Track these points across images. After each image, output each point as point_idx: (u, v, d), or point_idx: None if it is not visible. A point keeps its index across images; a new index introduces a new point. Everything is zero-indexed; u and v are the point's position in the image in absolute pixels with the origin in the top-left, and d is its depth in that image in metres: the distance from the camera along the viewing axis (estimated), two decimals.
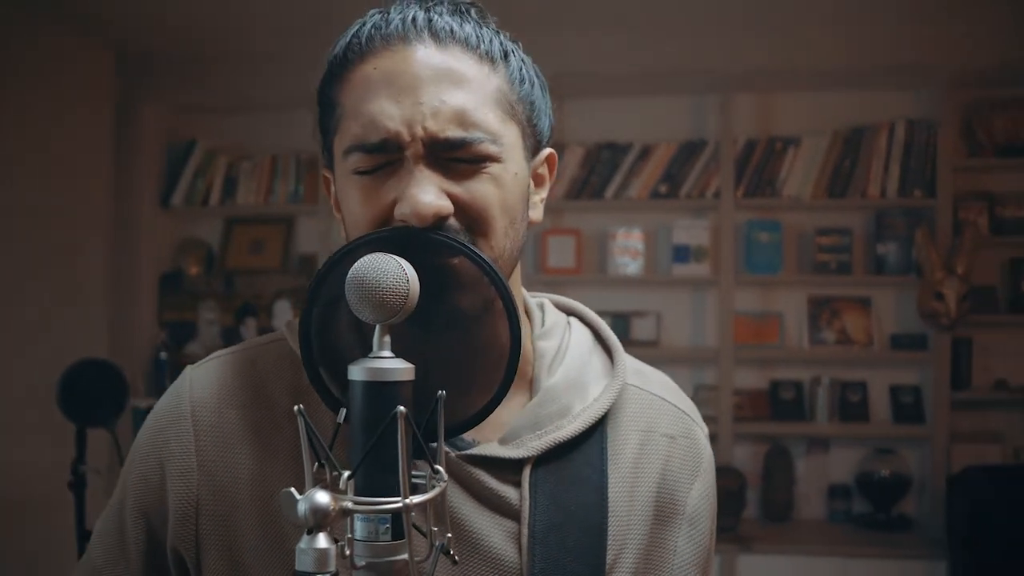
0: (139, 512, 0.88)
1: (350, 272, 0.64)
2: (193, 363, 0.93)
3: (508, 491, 0.83)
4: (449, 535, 0.66)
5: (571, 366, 0.91)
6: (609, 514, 0.85)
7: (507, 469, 0.84)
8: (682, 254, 3.82)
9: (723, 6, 3.50)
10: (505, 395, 0.74)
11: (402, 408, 0.60)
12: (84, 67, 3.70)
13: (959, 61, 3.58)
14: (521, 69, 0.85)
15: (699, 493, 0.92)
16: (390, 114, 0.77)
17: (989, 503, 3.27)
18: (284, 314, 3.93)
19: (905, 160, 3.66)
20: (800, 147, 3.76)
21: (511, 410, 0.86)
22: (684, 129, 3.89)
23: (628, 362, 0.94)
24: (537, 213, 0.91)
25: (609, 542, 0.85)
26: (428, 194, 0.76)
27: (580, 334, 0.96)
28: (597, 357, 0.94)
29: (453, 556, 0.66)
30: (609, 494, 0.86)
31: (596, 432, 0.88)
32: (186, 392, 0.88)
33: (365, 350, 0.66)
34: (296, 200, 3.96)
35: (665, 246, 3.90)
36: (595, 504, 0.85)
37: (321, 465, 0.64)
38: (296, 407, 0.64)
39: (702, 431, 0.96)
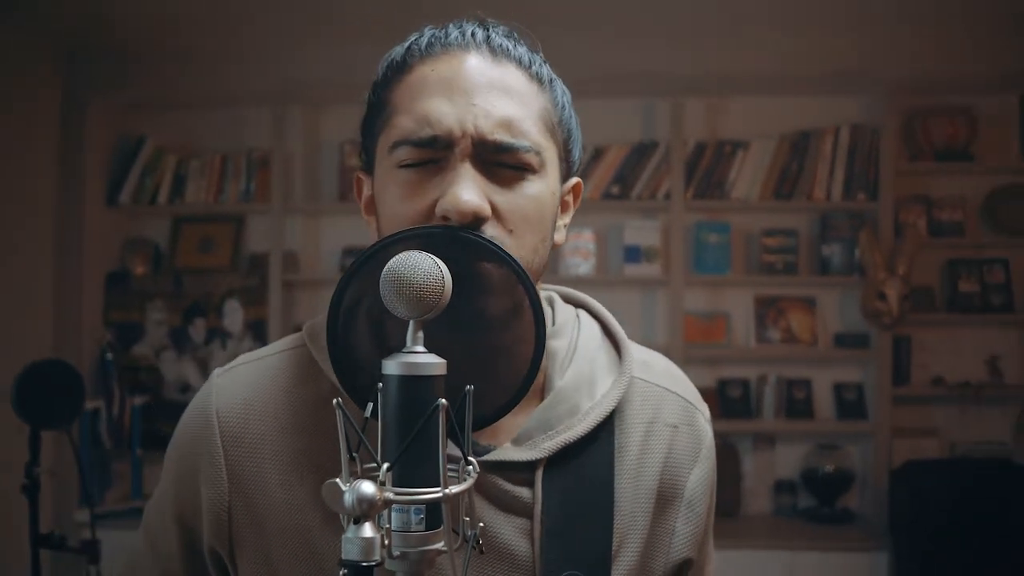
0: (174, 518, 0.92)
1: (386, 268, 0.66)
2: (220, 366, 0.96)
3: (522, 491, 0.86)
4: (482, 524, 0.69)
5: (581, 364, 0.94)
6: (615, 506, 0.89)
7: (520, 470, 0.87)
8: (633, 254, 3.88)
9: (675, 12, 3.56)
10: (524, 395, 0.77)
11: (443, 400, 0.63)
12: (29, 63, 3.62)
13: (900, 70, 3.70)
14: (563, 96, 0.90)
15: (698, 477, 0.96)
16: (443, 112, 0.81)
17: (929, 495, 3.40)
18: (234, 314, 3.90)
19: (849, 164, 3.77)
20: (748, 150, 3.84)
21: (524, 412, 0.89)
22: (636, 131, 3.95)
23: (635, 354, 0.98)
24: (560, 236, 0.94)
25: (615, 532, 0.88)
26: (471, 192, 0.79)
27: (589, 329, 0.99)
28: (604, 352, 0.98)
29: (481, 547, 0.69)
30: (615, 487, 0.90)
31: (604, 428, 0.91)
32: (212, 400, 0.91)
33: (392, 345, 0.68)
34: (247, 199, 3.92)
35: (616, 247, 3.95)
36: (603, 498, 0.89)
37: (352, 458, 0.66)
38: (335, 400, 0.66)
39: (704, 416, 1.01)
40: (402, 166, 0.83)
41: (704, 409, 1.01)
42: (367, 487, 0.58)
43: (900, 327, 3.70)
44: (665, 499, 0.93)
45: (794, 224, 3.91)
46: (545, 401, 0.91)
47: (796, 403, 3.88)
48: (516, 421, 0.87)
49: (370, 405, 0.67)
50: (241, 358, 0.95)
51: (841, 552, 3.51)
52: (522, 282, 0.77)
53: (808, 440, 3.87)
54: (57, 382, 2.25)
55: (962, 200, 3.86)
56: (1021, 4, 3.40)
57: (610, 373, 0.95)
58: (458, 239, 0.77)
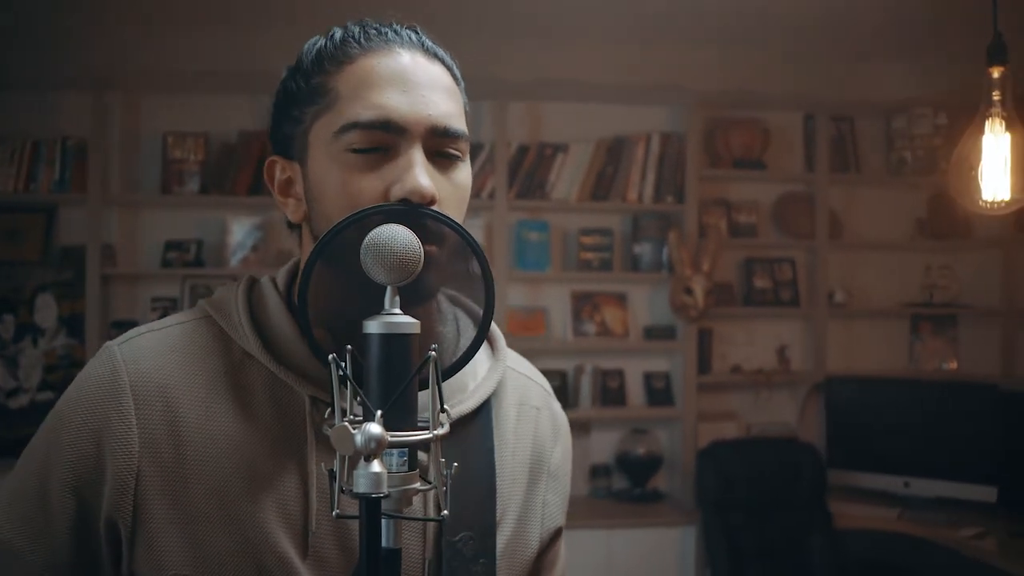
0: (69, 487, 0.89)
1: (369, 238, 0.73)
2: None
3: (421, 458, 0.94)
4: (456, 464, 0.79)
5: (465, 345, 1.03)
6: (497, 476, 1.00)
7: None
8: None
9: (500, 18, 3.73)
10: (478, 350, 0.88)
11: (434, 352, 0.72)
12: None
13: (706, 84, 4.03)
14: (466, 97, 1.00)
15: (560, 454, 1.10)
16: (398, 100, 0.88)
17: (731, 472, 3.73)
18: (47, 309, 3.71)
19: (659, 169, 4.06)
20: (568, 153, 4.05)
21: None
22: None
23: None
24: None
25: (498, 499, 0.99)
26: (427, 178, 0.87)
27: (464, 321, 1.08)
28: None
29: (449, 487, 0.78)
30: (496, 459, 1.01)
31: (484, 407, 1.02)
32: (121, 366, 0.91)
33: (363, 311, 0.75)
34: (61, 189, 3.74)
35: None
36: (486, 467, 0.99)
37: (332, 411, 0.73)
38: (331, 356, 0.73)
39: (557, 403, 1.16)
40: (351, 150, 0.89)
41: (555, 398, 1.17)
42: (375, 428, 0.65)
43: (703, 320, 4.03)
44: (535, 473, 1.05)
45: (609, 224, 4.16)
46: None
47: (610, 392, 4.12)
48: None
49: (343, 363, 0.74)
50: (137, 329, 0.97)
51: (654, 528, 3.78)
52: (476, 254, 0.86)
53: (621, 426, 4.13)
54: None
55: (756, 204, 4.26)
56: (812, 32, 3.81)
57: (487, 360, 1.07)
58: (424, 216, 0.85)
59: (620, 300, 4.20)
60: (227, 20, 3.74)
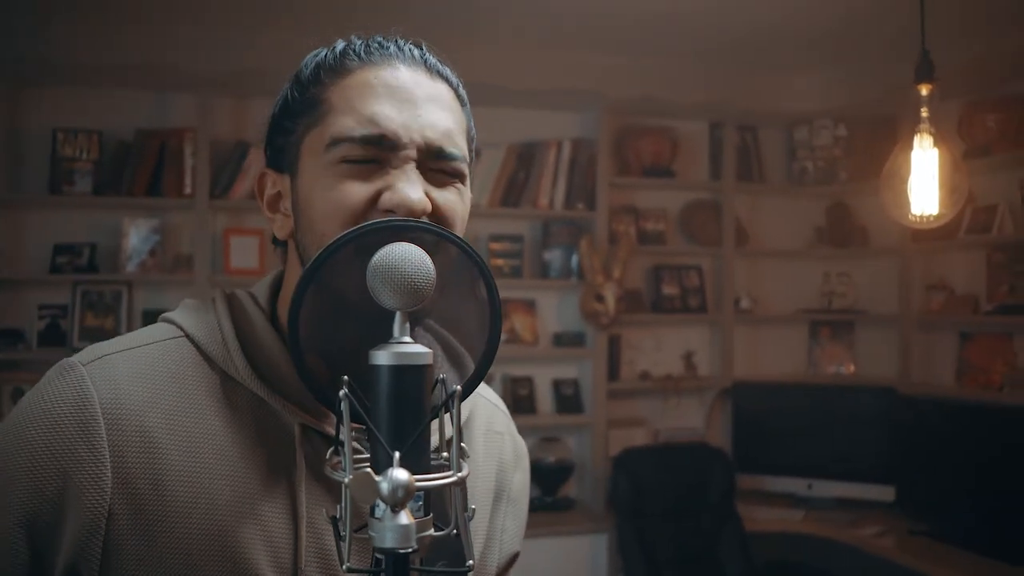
0: (23, 526, 0.78)
1: (377, 259, 0.66)
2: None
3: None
4: (474, 507, 0.71)
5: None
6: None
7: None
8: None
9: (410, 20, 3.66)
10: (484, 376, 0.79)
11: (458, 387, 0.65)
12: None
13: (617, 91, 4.05)
14: (471, 118, 0.95)
15: (520, 480, 1.08)
16: (391, 116, 0.83)
17: (645, 478, 3.74)
18: None
19: (570, 175, 4.05)
20: (479, 159, 4.01)
21: None
22: None
23: None
24: None
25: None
26: (419, 192, 0.81)
27: (434, 346, 1.03)
28: (448, 366, 1.02)
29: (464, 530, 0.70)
30: (468, 483, 0.95)
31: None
32: (91, 391, 0.80)
33: (361, 337, 0.67)
34: None
35: None
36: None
37: (336, 452, 0.65)
38: (342, 391, 0.64)
39: (515, 428, 1.12)
40: (343, 161, 0.83)
41: (513, 422, 1.13)
42: (402, 474, 0.58)
43: (612, 327, 4.04)
44: (497, 499, 1.03)
45: (519, 230, 4.14)
46: None
47: (520, 399, 4.09)
48: None
49: (341, 401, 0.65)
50: (102, 347, 0.86)
51: (566, 536, 3.76)
52: (483, 275, 0.76)
53: (531, 434, 4.10)
54: None
55: (664, 212, 4.30)
56: (720, 44, 3.87)
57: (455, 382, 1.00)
58: (423, 232, 0.73)
59: (530, 307, 4.18)
60: (127, 11, 3.55)
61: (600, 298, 3.90)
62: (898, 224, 3.91)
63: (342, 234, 0.70)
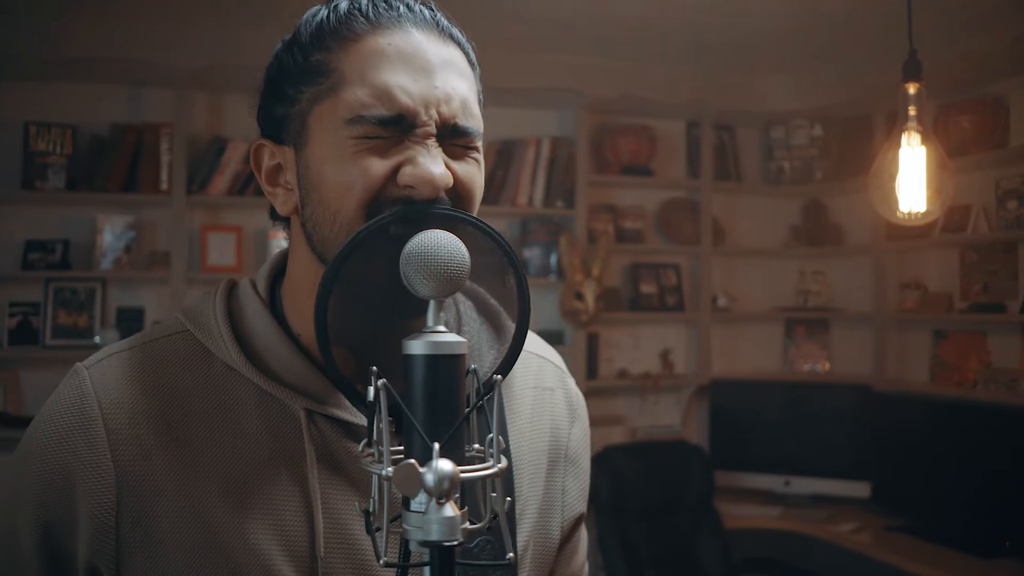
0: (38, 525, 0.80)
1: (413, 246, 0.64)
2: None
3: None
4: (509, 499, 0.70)
5: (468, 336, 0.95)
6: (515, 469, 0.93)
7: None
8: None
9: None
10: (517, 359, 0.76)
11: (499, 376, 0.64)
12: None
13: (596, 89, 4.05)
14: (479, 81, 0.90)
15: (578, 436, 1.03)
16: (408, 91, 0.79)
17: (626, 476, 3.75)
18: None
19: (549, 173, 4.05)
20: None
21: None
22: None
23: None
24: None
25: (517, 493, 0.92)
26: (440, 166, 0.78)
27: (465, 303, 1.00)
28: (483, 324, 0.99)
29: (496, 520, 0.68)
30: (512, 450, 0.93)
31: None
32: (91, 393, 0.82)
33: (385, 323, 0.67)
34: None
35: None
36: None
37: (368, 444, 0.64)
38: (381, 380, 0.62)
39: (572, 380, 1.08)
40: (359, 137, 0.79)
41: (570, 375, 1.09)
42: (446, 464, 0.57)
43: (591, 325, 4.04)
44: (553, 460, 0.99)
45: (498, 228, 4.05)
46: None
47: None
48: None
49: (371, 389, 0.63)
50: (108, 349, 0.87)
51: None
52: (508, 258, 0.75)
53: None
54: None
55: (642, 210, 4.31)
56: (698, 43, 3.88)
57: (494, 343, 0.97)
58: (447, 218, 0.74)
59: None
60: (102, 4, 3.49)
61: (580, 296, 3.90)
62: (873, 223, 3.98)
63: (360, 228, 0.71)
